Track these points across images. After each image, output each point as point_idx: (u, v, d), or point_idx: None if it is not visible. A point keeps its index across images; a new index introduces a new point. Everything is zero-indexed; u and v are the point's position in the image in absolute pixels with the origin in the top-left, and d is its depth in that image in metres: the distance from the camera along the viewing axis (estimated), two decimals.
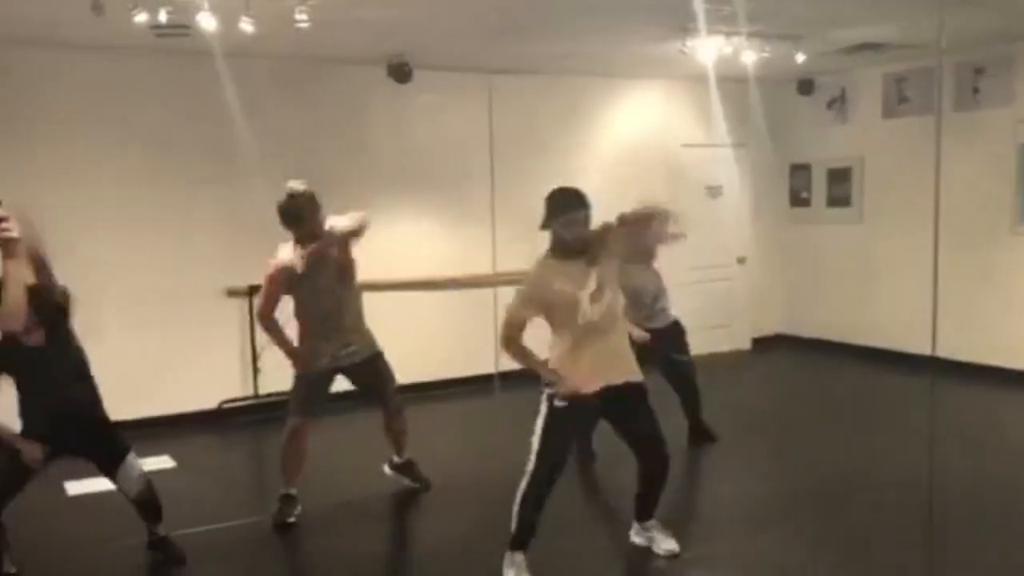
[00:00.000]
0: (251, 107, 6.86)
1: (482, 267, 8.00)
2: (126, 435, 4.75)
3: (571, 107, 8.57)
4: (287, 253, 4.86)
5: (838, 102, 9.12)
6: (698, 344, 9.28)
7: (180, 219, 6.96)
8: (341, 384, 5.35)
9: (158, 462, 5.96)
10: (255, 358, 7.14)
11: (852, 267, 9.06)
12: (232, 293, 7.13)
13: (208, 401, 7.03)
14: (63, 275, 6.61)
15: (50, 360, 4.06)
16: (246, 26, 5.15)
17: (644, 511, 4.35)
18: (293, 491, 4.95)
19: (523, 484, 4.01)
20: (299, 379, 5.01)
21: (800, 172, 9.59)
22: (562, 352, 4.01)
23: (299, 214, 4.84)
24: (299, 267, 4.75)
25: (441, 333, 7.95)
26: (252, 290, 7.15)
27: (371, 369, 5.10)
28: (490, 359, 7.65)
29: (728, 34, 6.65)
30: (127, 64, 6.68)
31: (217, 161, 7.04)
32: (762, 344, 9.70)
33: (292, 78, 7.21)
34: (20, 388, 4.09)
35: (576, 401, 3.94)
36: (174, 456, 6.10)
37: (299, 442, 4.95)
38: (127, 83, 6.74)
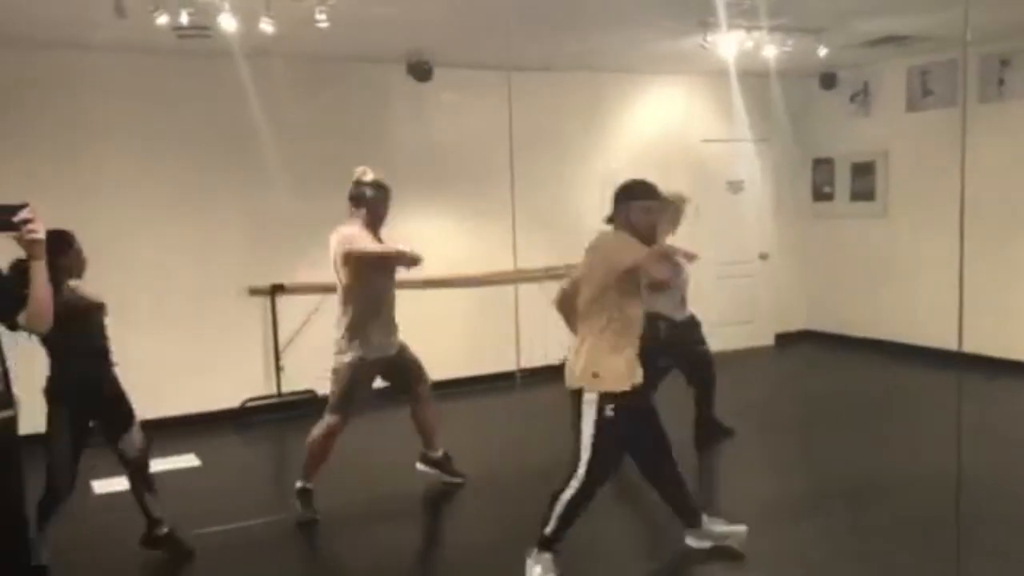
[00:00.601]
0: (272, 107, 6.92)
1: (502, 264, 8.01)
2: (152, 434, 4.87)
3: (591, 103, 8.54)
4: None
5: (861, 95, 9.04)
6: (721, 340, 9.26)
7: (203, 219, 7.01)
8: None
9: (183, 460, 6.01)
10: (278, 357, 7.18)
11: (876, 262, 8.98)
12: (255, 292, 7.17)
13: (231, 400, 7.06)
14: (89, 276, 6.73)
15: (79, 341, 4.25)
16: (266, 27, 5.18)
17: (690, 516, 4.28)
18: (311, 486, 4.93)
19: (571, 492, 3.89)
20: (349, 370, 4.89)
21: (823, 166, 9.52)
22: (603, 345, 3.90)
23: (370, 198, 5.02)
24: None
25: (462, 331, 7.96)
26: (275, 289, 7.22)
27: (405, 361, 5.13)
28: (512, 356, 7.65)
29: (749, 28, 6.61)
30: (150, 66, 6.72)
31: (239, 161, 7.08)
32: (786, 340, 9.64)
33: (312, 78, 7.23)
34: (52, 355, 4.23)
35: (623, 405, 3.86)
36: (199, 455, 6.15)
37: (333, 439, 4.93)
38: (150, 84, 6.78)
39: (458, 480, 5.38)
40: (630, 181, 4.18)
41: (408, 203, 7.65)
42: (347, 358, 4.88)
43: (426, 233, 7.67)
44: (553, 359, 7.95)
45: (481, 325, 8.00)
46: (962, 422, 4.98)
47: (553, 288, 4.55)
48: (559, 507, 3.91)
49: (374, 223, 5.02)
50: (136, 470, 4.49)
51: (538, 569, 3.96)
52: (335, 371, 4.95)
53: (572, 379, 3.94)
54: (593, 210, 8.42)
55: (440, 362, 7.32)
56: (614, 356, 3.88)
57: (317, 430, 4.94)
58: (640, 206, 4.03)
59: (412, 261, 4.88)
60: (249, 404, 7.13)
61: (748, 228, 9.48)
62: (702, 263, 8.83)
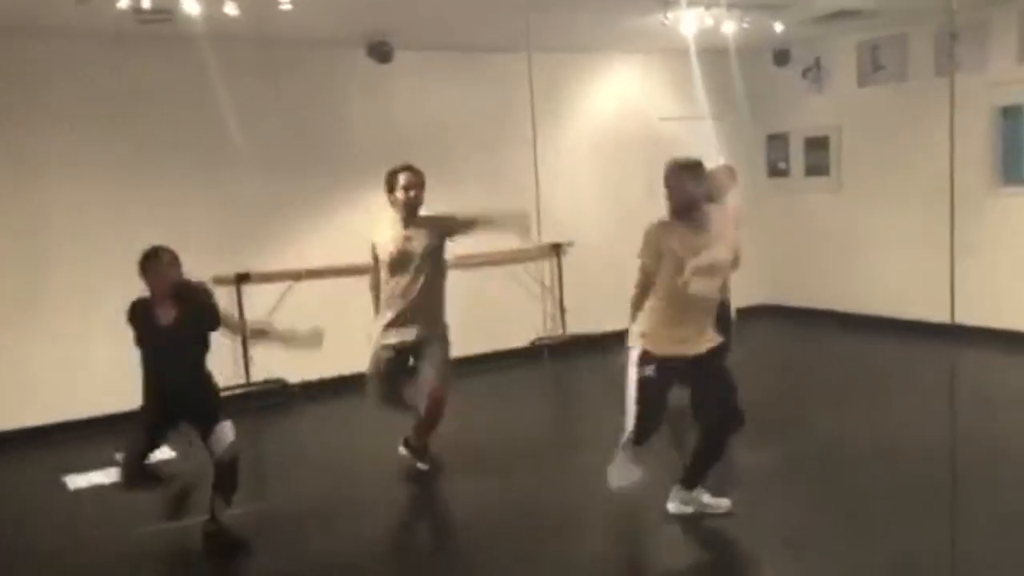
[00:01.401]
0: (234, 92, 6.83)
1: (466, 248, 8.00)
2: (126, 426, 4.83)
3: (552, 84, 8.56)
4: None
5: (813, 71, 9.21)
6: None
7: (165, 206, 6.87)
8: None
9: (158, 453, 5.91)
10: (245, 345, 7.10)
11: (833, 235, 9.17)
12: (219, 281, 7.06)
13: None
14: (50, 267, 6.61)
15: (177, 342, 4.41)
16: (230, 10, 5.10)
17: (693, 478, 4.40)
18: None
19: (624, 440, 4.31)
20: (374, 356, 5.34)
21: (777, 142, 9.67)
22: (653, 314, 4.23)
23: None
24: None
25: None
26: (240, 277, 7.14)
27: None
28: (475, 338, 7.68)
29: (708, 5, 6.69)
30: (109, 51, 6.59)
31: (201, 147, 6.98)
32: (746, 314, 9.74)
33: (273, 62, 7.15)
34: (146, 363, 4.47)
35: (661, 366, 4.17)
36: (172, 446, 6.05)
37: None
38: (109, 70, 6.65)
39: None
40: (672, 160, 4.41)
41: (368, 186, 7.63)
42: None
43: (387, 216, 7.66)
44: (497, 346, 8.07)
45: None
46: (931, 391, 5.14)
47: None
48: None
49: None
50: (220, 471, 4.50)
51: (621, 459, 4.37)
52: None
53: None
54: (553, 190, 8.55)
55: None
56: (663, 325, 4.19)
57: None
58: (672, 184, 4.30)
59: None
60: (224, 393, 7.02)
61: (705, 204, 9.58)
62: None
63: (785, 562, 3.98)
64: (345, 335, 7.10)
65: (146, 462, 4.56)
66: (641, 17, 7.00)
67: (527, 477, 5.20)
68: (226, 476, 4.40)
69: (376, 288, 5.34)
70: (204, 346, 4.52)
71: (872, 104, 8.68)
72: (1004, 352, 7.41)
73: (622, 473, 4.39)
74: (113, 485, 5.32)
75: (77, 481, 5.42)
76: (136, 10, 5.50)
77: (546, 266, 8.67)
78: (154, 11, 5.52)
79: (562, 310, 8.67)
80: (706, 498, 4.41)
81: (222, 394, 5.75)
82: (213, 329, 4.54)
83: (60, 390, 6.57)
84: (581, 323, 8.67)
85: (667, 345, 4.18)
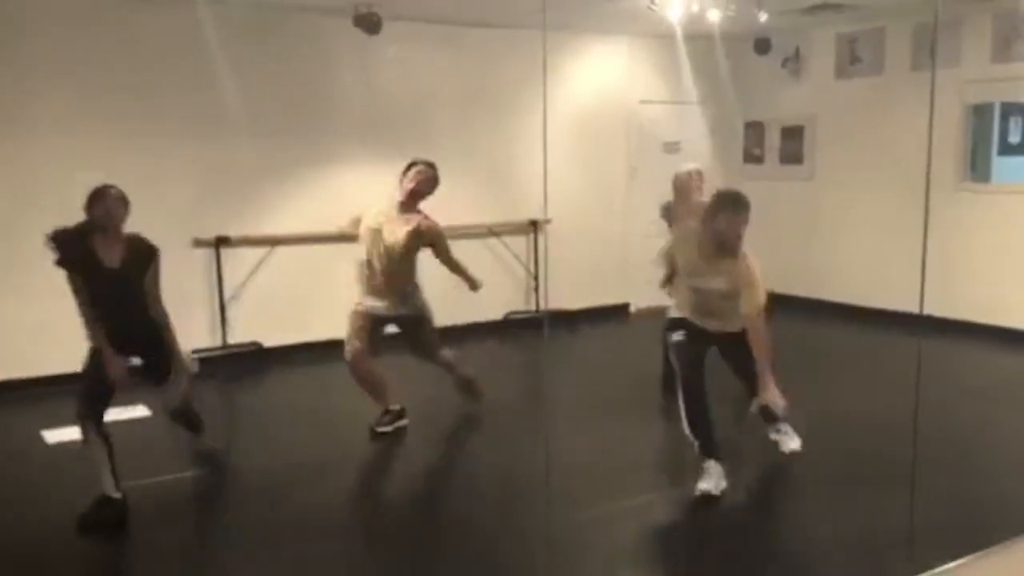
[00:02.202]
0: (219, 54, 6.80)
1: (444, 220, 8.07)
2: None
3: (537, 61, 8.57)
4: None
5: (792, 61, 9.34)
6: (655, 295, 9.57)
7: (145, 168, 6.86)
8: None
9: (132, 412, 5.96)
10: (223, 310, 7.14)
11: (804, 223, 9.34)
12: (199, 243, 7.09)
13: None
14: (24, 225, 6.57)
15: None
16: None
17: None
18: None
19: (681, 408, 4.50)
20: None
21: (753, 129, 9.82)
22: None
23: None
24: None
25: None
26: (219, 241, 7.16)
27: None
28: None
29: None
30: (95, 7, 6.56)
31: (183, 110, 6.96)
32: None
33: (259, 26, 7.12)
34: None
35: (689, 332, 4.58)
36: (148, 405, 6.10)
37: None
38: (92, 27, 6.61)
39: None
40: (724, 191, 4.79)
41: (352, 157, 7.69)
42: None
43: (370, 186, 7.70)
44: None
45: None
46: (906, 376, 5.26)
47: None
48: (684, 426, 4.50)
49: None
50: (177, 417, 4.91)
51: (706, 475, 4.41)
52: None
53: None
54: (532, 169, 8.63)
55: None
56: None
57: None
58: (723, 217, 4.50)
59: None
60: (194, 356, 7.06)
61: None
62: (635, 222, 9.16)
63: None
64: (323, 301, 7.21)
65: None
66: (628, 0, 7.07)
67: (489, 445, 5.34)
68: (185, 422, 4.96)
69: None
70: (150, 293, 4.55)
71: (848, 96, 8.84)
72: (966, 343, 7.64)
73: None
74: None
75: (56, 435, 5.45)
76: None
77: (523, 241, 8.76)
78: None
79: (536, 286, 8.77)
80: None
81: (200, 356, 5.87)
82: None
83: (36, 345, 6.57)
84: (555, 300, 8.78)
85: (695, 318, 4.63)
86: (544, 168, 7.47)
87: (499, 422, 5.88)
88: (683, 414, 4.50)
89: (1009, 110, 8.48)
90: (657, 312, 8.37)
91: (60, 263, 4.34)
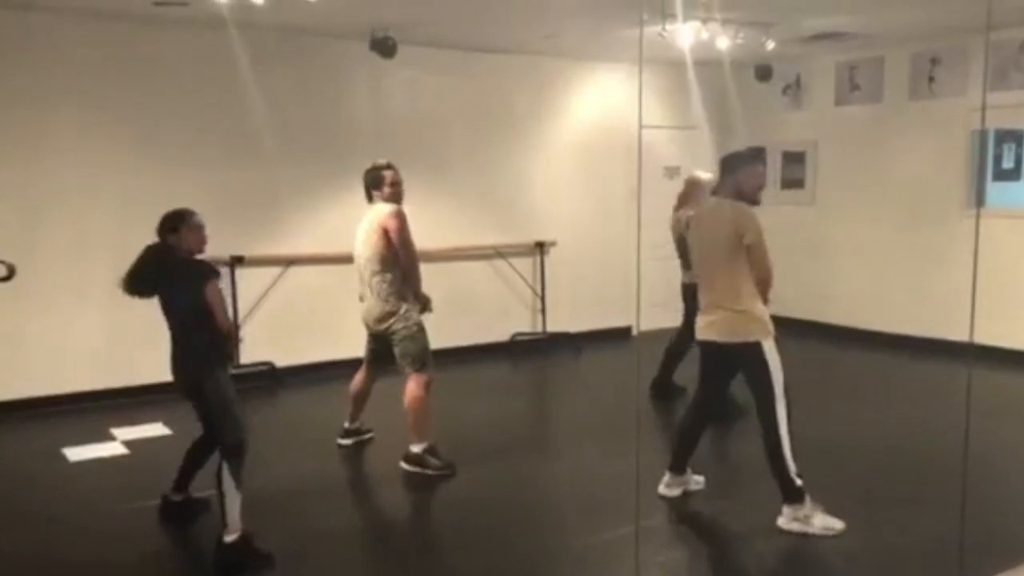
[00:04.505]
0: (236, 77, 6.92)
1: (453, 240, 8.19)
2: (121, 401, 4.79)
3: (544, 87, 8.79)
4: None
5: (793, 88, 9.53)
6: (658, 319, 9.70)
7: (160, 189, 6.91)
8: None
9: (153, 429, 6.01)
10: (237, 328, 7.17)
11: (805, 246, 9.49)
12: (219, 263, 7.11)
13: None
14: (46, 248, 6.62)
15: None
16: None
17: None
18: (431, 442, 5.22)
19: (782, 434, 4.22)
20: (422, 333, 5.23)
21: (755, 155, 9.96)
22: (756, 296, 4.33)
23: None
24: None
25: None
26: (234, 260, 7.22)
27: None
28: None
29: (705, 20, 6.93)
30: (113, 31, 6.66)
31: (201, 131, 7.06)
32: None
33: (275, 50, 7.21)
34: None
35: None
36: (167, 423, 6.14)
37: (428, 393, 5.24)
38: (112, 51, 6.72)
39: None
40: (734, 151, 4.53)
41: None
42: (415, 317, 5.20)
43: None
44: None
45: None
46: (915, 400, 5.38)
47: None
48: (786, 461, 4.21)
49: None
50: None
51: (821, 514, 4.20)
52: (408, 334, 5.17)
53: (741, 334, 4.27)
54: (539, 190, 8.76)
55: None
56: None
57: (419, 390, 5.16)
58: (745, 172, 4.34)
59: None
60: None
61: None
62: (638, 245, 9.25)
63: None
64: (335, 321, 7.27)
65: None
66: (638, 28, 7.21)
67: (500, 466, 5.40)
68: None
69: None
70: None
71: (848, 122, 9.03)
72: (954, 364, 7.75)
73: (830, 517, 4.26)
74: (110, 458, 5.43)
75: (77, 453, 5.48)
76: None
77: (529, 263, 8.86)
78: None
79: (543, 307, 8.87)
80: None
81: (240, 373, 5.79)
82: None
83: (54, 363, 6.61)
84: (559, 321, 8.88)
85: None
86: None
87: (502, 444, 5.92)
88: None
89: (1003, 136, 8.67)
90: (660, 334, 8.57)
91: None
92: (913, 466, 5.18)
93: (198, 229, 4.31)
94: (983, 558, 3.90)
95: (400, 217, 5.18)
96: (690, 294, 6.13)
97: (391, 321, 5.18)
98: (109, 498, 4.85)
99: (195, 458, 4.49)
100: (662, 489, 4.71)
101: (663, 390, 6.80)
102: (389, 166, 5.40)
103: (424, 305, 5.29)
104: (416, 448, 5.15)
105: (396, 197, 5.33)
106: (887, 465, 5.24)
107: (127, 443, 5.76)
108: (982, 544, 4.02)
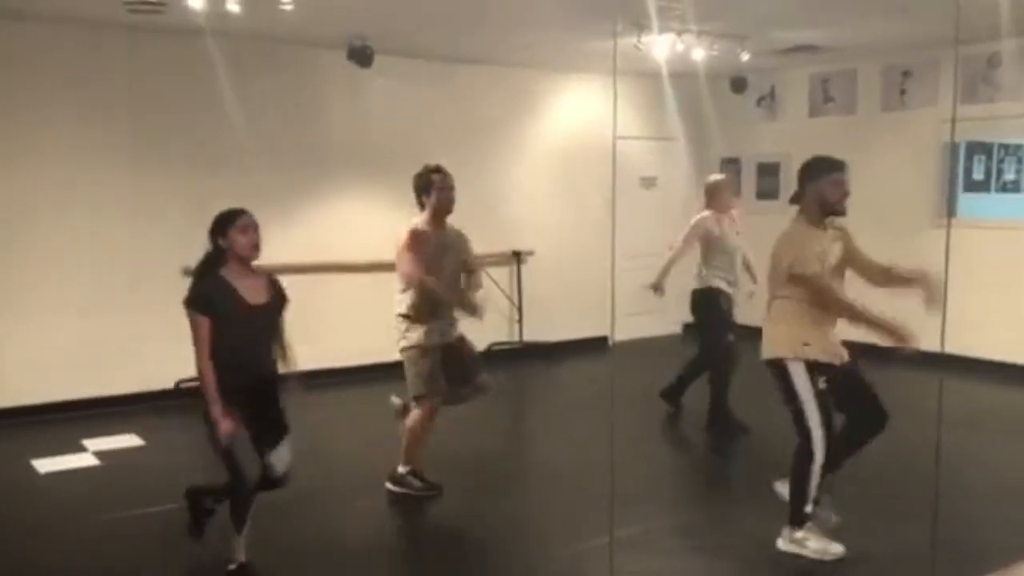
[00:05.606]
0: (213, 86, 6.87)
1: None
2: (94, 412, 4.69)
3: (521, 98, 8.82)
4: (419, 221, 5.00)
5: (767, 100, 9.62)
6: (633, 328, 9.75)
7: (137, 197, 6.92)
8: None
9: (126, 440, 5.96)
10: None
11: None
12: (188, 272, 7.06)
13: (167, 380, 6.99)
14: (22, 254, 6.56)
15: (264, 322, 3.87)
16: (233, 6, 5.19)
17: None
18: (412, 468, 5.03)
19: (819, 460, 4.05)
20: (425, 358, 4.88)
21: (730, 166, 10.04)
22: (801, 317, 4.12)
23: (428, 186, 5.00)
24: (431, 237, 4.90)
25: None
26: None
27: (463, 349, 5.15)
28: None
29: (680, 32, 6.99)
30: (90, 39, 6.64)
31: (177, 139, 7.03)
32: (693, 329, 10.12)
33: (253, 58, 7.20)
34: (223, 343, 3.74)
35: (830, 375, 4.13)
36: (140, 434, 6.09)
37: (430, 422, 4.98)
38: (89, 59, 6.70)
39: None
40: (813, 158, 4.27)
41: (342, 187, 7.78)
42: (416, 339, 4.89)
43: (358, 217, 7.80)
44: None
45: None
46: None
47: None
48: (810, 479, 4.07)
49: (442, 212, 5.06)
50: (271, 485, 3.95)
51: (819, 538, 4.13)
52: (407, 359, 4.92)
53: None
54: (516, 200, 8.78)
55: (363, 347, 7.53)
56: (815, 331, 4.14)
57: (414, 418, 4.94)
58: (829, 181, 4.15)
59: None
60: (183, 385, 7.05)
61: (658, 222, 9.92)
62: (614, 256, 9.28)
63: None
64: (310, 331, 7.22)
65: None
66: (613, 39, 7.25)
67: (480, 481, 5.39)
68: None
69: None
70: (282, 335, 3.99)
71: (821, 134, 9.10)
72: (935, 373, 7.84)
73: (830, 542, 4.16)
74: (81, 470, 5.37)
75: (47, 465, 5.42)
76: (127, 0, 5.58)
77: (506, 272, 8.87)
78: (146, 1, 5.59)
79: (520, 317, 8.88)
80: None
81: (190, 384, 5.65)
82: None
83: (24, 374, 6.53)
84: (536, 331, 8.89)
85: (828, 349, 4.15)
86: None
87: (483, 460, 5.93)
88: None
89: (974, 148, 8.80)
90: (636, 344, 8.63)
91: (195, 304, 3.78)
92: (884, 475, 5.22)
93: (245, 231, 3.86)
94: (954, 565, 3.94)
95: (411, 235, 4.87)
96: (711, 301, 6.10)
97: (399, 344, 4.95)
98: (81, 510, 4.80)
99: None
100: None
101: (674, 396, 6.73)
102: (439, 169, 5.11)
103: (469, 310, 4.90)
104: (400, 469, 5.06)
105: (443, 204, 5.03)
106: (856, 474, 5.27)
107: (99, 454, 5.71)
108: (953, 552, 4.07)
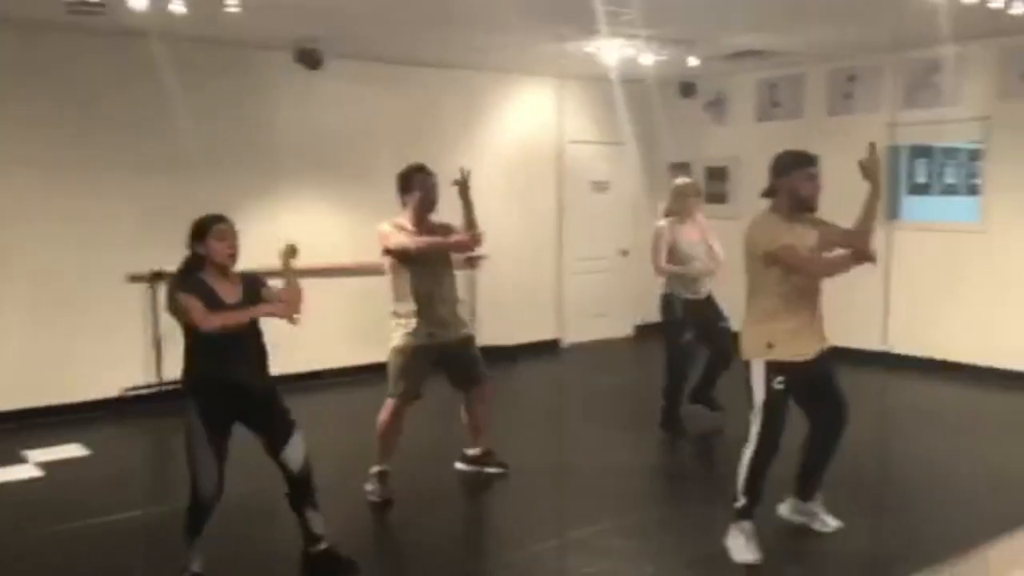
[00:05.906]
0: (157, 89, 6.76)
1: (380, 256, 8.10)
2: (35, 422, 4.52)
3: (471, 100, 8.81)
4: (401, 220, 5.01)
5: (716, 105, 9.73)
6: (584, 330, 9.79)
7: (81, 203, 6.77)
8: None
9: (70, 450, 5.83)
10: (159, 344, 7.02)
11: (730, 260, 9.64)
12: (134, 279, 6.99)
13: (110, 388, 6.86)
14: None
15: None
16: (177, 7, 5.11)
17: (809, 488, 4.35)
18: (387, 467, 4.95)
19: (749, 454, 4.03)
20: (401, 355, 4.91)
21: (679, 170, 10.12)
22: (772, 315, 4.09)
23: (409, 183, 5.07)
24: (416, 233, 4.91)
25: (341, 322, 8.00)
26: (155, 276, 7.05)
27: (463, 349, 5.12)
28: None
29: (629, 36, 7.04)
30: (30, 41, 6.48)
31: (120, 144, 6.90)
32: (644, 331, 10.20)
33: (198, 61, 7.08)
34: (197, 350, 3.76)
35: (792, 374, 4.00)
36: (84, 444, 5.96)
37: (398, 419, 4.94)
38: (28, 60, 6.52)
39: (501, 470, 5.33)
40: (784, 152, 4.23)
41: (291, 192, 7.70)
42: (397, 337, 4.91)
43: (307, 222, 7.72)
44: None
45: (360, 315, 8.07)
46: None
47: None
48: (742, 470, 4.05)
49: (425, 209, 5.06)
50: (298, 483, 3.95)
51: (742, 539, 4.05)
52: (390, 350, 4.95)
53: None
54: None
55: (317, 352, 7.47)
56: (787, 327, 4.07)
57: (383, 413, 4.93)
58: (802, 175, 4.17)
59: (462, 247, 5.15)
60: (129, 393, 6.94)
61: (610, 226, 10.00)
62: (568, 259, 9.36)
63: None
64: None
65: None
66: (565, 43, 7.30)
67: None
68: (305, 490, 3.97)
69: None
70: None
71: (769, 138, 9.18)
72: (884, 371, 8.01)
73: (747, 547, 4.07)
74: (10, 484, 5.22)
75: None
76: (67, 1, 5.47)
77: (461, 277, 8.81)
78: (85, 2, 5.49)
79: (473, 321, 8.84)
80: (818, 511, 4.39)
81: (136, 392, 5.51)
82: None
83: None
84: (491, 335, 8.87)
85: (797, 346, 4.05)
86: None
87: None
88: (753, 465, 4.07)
89: (917, 152, 9.00)
90: (587, 346, 8.64)
91: (183, 287, 3.75)
92: (828, 473, 5.29)
93: (223, 237, 3.84)
94: (900, 563, 4.01)
95: (395, 225, 4.99)
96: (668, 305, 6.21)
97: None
98: (23, 523, 4.67)
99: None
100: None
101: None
102: (422, 168, 5.12)
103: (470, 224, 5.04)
104: (373, 468, 4.98)
105: (427, 202, 5.07)
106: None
107: (41, 465, 5.57)
108: (900, 547, 4.14)
